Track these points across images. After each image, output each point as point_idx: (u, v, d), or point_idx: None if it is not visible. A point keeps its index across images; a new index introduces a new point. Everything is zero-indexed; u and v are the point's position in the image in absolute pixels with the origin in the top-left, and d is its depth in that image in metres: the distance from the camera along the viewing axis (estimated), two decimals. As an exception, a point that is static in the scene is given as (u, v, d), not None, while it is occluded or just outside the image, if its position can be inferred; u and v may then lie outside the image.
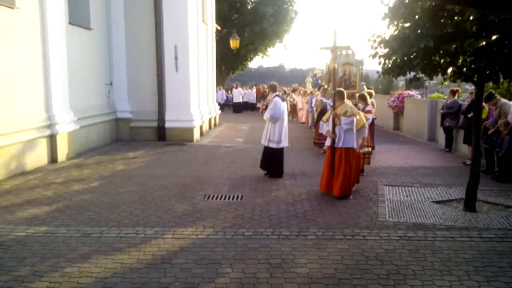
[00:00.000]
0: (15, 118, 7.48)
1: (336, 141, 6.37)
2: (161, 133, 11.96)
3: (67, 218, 5.24)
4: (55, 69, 8.68)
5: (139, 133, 11.97)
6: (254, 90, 29.20)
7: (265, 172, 7.75)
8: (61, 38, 8.90)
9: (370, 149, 7.71)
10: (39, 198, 6.07)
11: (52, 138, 8.51)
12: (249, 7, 29.64)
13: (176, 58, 11.91)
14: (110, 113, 11.70)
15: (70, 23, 9.55)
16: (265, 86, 29.78)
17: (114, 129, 11.90)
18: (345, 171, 6.27)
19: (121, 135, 12.00)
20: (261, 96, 26.20)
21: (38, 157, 8.13)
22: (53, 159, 8.53)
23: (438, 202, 6.12)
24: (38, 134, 8.12)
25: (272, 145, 7.61)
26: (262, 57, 32.96)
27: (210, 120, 15.41)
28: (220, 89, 26.06)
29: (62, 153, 8.76)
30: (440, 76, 5.86)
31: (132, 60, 12.00)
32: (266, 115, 7.67)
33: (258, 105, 26.28)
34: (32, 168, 7.86)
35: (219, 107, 18.53)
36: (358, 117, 6.44)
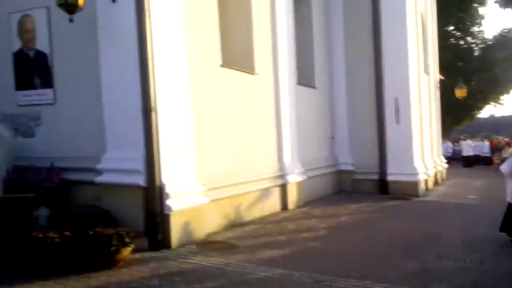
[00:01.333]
0: (254, 169, 8.47)
1: None
2: (382, 186, 11.74)
3: (300, 262, 5.53)
4: (286, 125, 9.60)
5: (361, 185, 12.02)
6: (487, 142, 26.20)
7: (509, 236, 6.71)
8: (291, 97, 9.87)
9: None
10: (275, 242, 6.60)
11: (283, 187, 9.29)
12: (475, 53, 27.43)
13: (397, 110, 11.75)
14: (333, 165, 12.17)
15: (298, 83, 10.54)
16: (500, 137, 26.53)
17: (337, 180, 12.28)
18: None
19: (343, 187, 12.28)
20: (496, 148, 23.30)
21: (272, 204, 8.96)
22: (284, 206, 9.27)
23: None
24: (272, 183, 8.98)
25: (516, 204, 6.60)
26: (495, 106, 29.63)
27: (435, 174, 14.42)
28: (445, 142, 24.33)
29: (292, 201, 9.45)
30: None
31: (353, 114, 12.35)
32: (505, 167, 6.84)
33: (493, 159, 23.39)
34: (268, 214, 8.67)
35: (445, 160, 17.25)
36: None
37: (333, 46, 12.44)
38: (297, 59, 10.52)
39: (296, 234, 7.16)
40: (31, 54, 7.13)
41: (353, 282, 4.82)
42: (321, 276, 5.00)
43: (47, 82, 7.02)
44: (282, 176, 9.28)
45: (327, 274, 5.06)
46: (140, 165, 6.00)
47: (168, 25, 6.36)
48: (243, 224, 7.76)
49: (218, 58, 7.65)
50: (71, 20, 5.76)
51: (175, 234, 6.11)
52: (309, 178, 10.34)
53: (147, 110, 5.92)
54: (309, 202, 10.19)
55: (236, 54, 8.55)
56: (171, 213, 6.02)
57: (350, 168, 12.32)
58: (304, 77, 11.09)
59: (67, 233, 5.10)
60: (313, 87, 11.50)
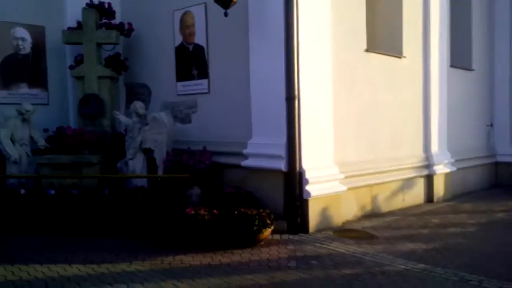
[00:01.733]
0: (397, 157, 8.16)
1: None
2: (551, 182, 10.27)
3: (443, 259, 5.22)
4: (435, 111, 8.98)
5: (523, 179, 10.71)
6: None
7: None
8: (442, 81, 9.17)
9: None
10: (416, 235, 6.32)
11: (429, 178, 8.77)
12: None
13: None
14: (489, 156, 11.03)
15: (451, 66, 9.72)
16: None
17: (493, 173, 11.13)
18: None
19: (500, 180, 11.09)
20: None
21: (415, 195, 8.54)
22: (428, 198, 8.76)
23: None
24: (416, 173, 8.53)
25: None
26: None
27: None
28: None
29: (438, 193, 8.88)
30: None
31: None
32: None
33: None
34: (409, 205, 8.31)
35: None
36: None
37: (495, 24, 11.18)
38: (451, 39, 9.74)
39: (441, 228, 6.74)
40: (190, 47, 7.91)
41: (506, 285, 4.40)
42: (468, 275, 4.66)
43: (203, 73, 7.73)
44: (427, 166, 8.76)
45: (476, 274, 4.69)
46: (282, 151, 6.30)
47: (314, 15, 6.46)
48: (381, 215, 7.59)
49: (363, 43, 7.52)
50: (226, 15, 6.27)
51: (313, 219, 6.29)
52: (460, 169, 9.57)
53: (290, 98, 6.16)
54: (458, 195, 9.46)
55: (382, 38, 8.27)
56: (309, 199, 6.21)
57: (510, 159, 11.04)
58: (460, 58, 10.20)
59: (215, 211, 5.64)
60: (469, 69, 10.51)
